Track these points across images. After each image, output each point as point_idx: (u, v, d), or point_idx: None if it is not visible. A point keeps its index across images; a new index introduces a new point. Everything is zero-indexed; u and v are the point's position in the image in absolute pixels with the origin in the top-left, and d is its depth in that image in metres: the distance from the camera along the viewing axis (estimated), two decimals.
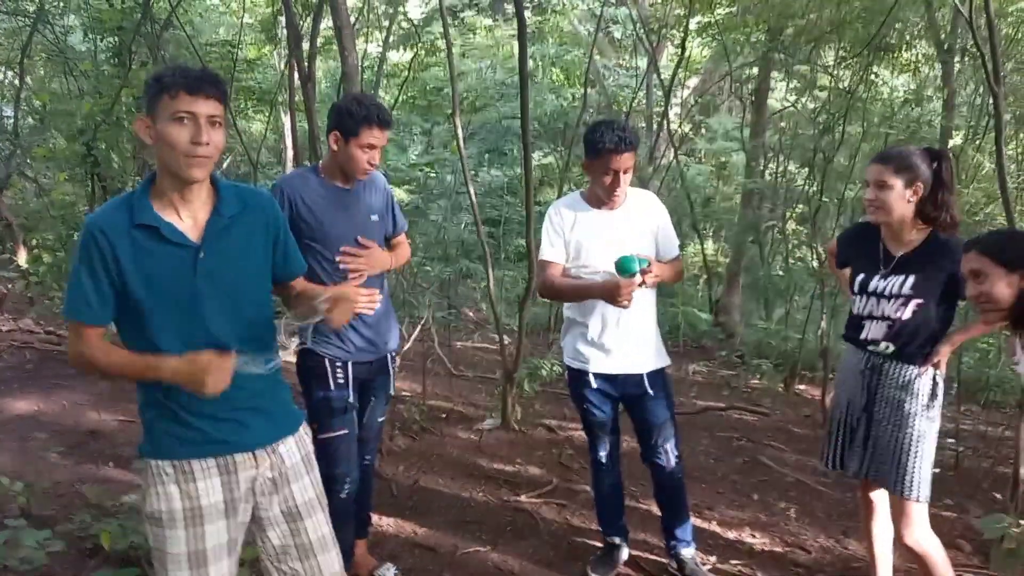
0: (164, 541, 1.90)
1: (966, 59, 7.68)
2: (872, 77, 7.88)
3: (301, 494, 2.04)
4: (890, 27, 7.32)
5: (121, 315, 1.87)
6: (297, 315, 1.99)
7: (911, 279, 2.58)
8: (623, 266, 2.83)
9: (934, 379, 2.64)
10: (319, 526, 2.07)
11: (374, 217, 2.84)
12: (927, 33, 7.57)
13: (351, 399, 2.78)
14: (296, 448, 2.05)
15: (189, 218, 1.87)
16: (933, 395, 2.63)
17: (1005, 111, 4.60)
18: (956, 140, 8.12)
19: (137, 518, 3.09)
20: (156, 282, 1.82)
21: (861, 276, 2.71)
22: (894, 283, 2.62)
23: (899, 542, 2.73)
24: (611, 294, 2.81)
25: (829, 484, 4.47)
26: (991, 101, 4.31)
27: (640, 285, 2.83)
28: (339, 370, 2.76)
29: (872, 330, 2.68)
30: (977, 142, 8.00)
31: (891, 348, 2.65)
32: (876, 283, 2.66)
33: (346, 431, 2.77)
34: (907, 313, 2.59)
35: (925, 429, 2.62)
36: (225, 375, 1.82)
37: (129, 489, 3.79)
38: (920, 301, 2.58)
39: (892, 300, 2.62)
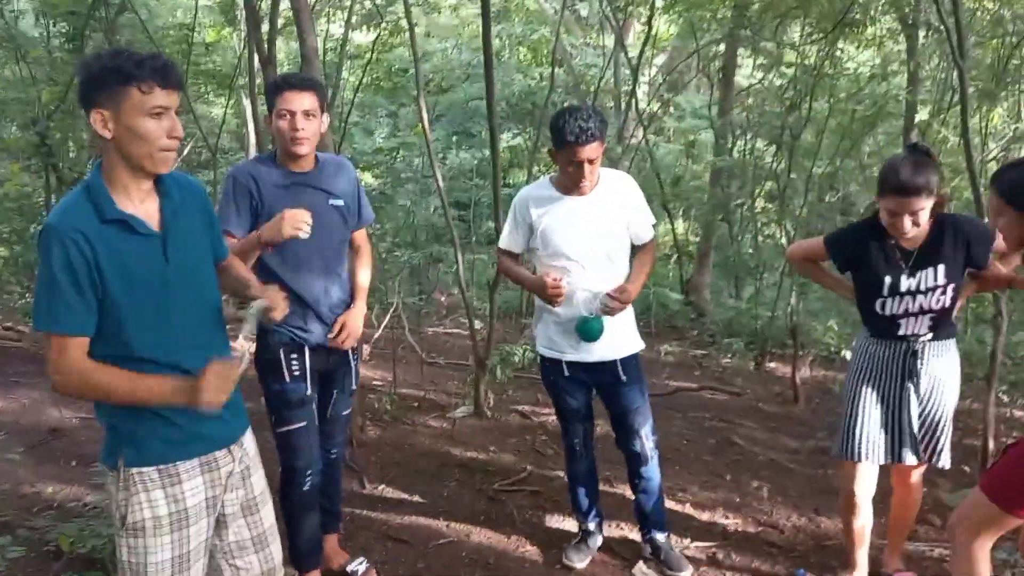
0: (145, 552, 1.83)
1: (930, 33, 7.69)
2: (838, 53, 7.87)
3: (258, 484, 2.05)
4: (855, 1, 7.30)
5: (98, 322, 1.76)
6: (255, 310, 1.97)
7: (941, 268, 2.62)
8: (585, 331, 2.92)
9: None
10: (270, 515, 2.09)
11: (335, 202, 2.75)
12: (891, 7, 7.57)
13: (308, 391, 2.72)
14: (251, 438, 2.07)
15: (144, 208, 1.81)
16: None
17: (969, 85, 4.60)
18: (922, 115, 8.16)
19: (99, 520, 3.03)
20: (133, 278, 1.75)
21: (888, 279, 2.67)
22: (925, 277, 2.64)
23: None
24: (541, 291, 2.94)
25: (800, 461, 4.49)
26: (956, 75, 4.32)
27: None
28: (294, 361, 2.69)
29: (912, 326, 2.70)
30: (942, 116, 8.04)
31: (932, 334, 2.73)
32: (907, 282, 2.65)
33: (304, 423, 2.72)
34: (948, 300, 2.65)
35: (956, 389, 2.77)
36: (229, 383, 1.79)
37: (92, 489, 3.70)
38: (954, 285, 2.65)
39: (930, 293, 2.64)
